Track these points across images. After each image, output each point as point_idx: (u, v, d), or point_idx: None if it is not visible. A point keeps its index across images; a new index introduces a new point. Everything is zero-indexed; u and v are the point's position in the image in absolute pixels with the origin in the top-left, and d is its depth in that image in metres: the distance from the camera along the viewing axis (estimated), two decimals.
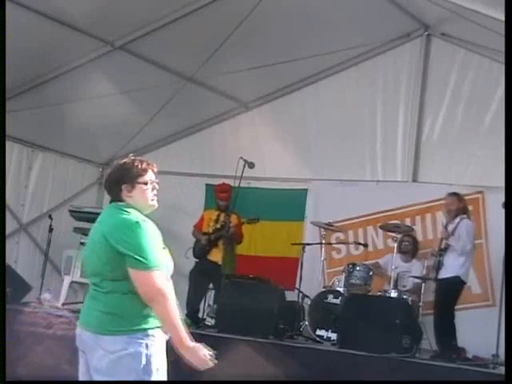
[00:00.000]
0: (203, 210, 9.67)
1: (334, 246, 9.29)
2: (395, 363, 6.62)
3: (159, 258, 3.37)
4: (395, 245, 8.20)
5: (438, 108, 9.13)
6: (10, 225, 9.29)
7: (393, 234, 8.36)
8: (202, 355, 3.34)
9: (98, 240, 3.42)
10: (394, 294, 7.78)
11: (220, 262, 8.50)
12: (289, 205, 9.82)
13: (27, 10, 7.33)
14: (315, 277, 8.59)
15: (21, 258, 9.67)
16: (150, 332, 3.34)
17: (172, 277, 3.50)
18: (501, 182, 5.21)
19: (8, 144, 8.49)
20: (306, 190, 9.77)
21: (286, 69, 9.00)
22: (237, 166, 8.12)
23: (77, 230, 8.93)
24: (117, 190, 3.54)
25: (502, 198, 5.52)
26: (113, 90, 8.74)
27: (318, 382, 6.45)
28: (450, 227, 7.80)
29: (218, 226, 8.77)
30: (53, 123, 9.28)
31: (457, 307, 7.70)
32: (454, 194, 7.99)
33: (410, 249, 8.59)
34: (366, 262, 8.56)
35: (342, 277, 8.18)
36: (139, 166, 3.55)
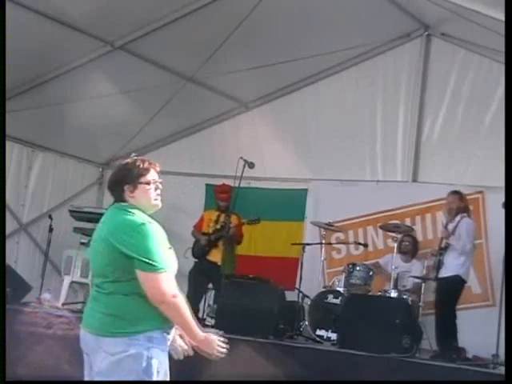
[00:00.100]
0: (203, 210, 9.68)
1: (334, 246, 9.29)
2: (395, 363, 6.62)
3: (166, 259, 3.36)
4: (395, 245, 8.20)
5: (438, 108, 9.13)
6: (10, 225, 9.29)
7: (393, 234, 8.36)
8: (215, 346, 3.43)
9: (102, 241, 3.41)
10: (394, 294, 7.78)
11: (219, 263, 8.51)
12: (289, 205, 9.82)
13: (27, 9, 7.33)
14: (315, 277, 8.59)
15: (21, 258, 9.67)
16: (151, 334, 3.33)
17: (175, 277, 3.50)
18: (501, 182, 5.21)
19: (8, 144, 8.48)
20: (306, 190, 9.77)
21: (285, 69, 9.00)
22: (237, 166, 8.11)
23: (77, 229, 8.93)
24: (119, 190, 3.50)
25: (502, 197, 5.51)
26: (113, 90, 8.74)
27: (318, 382, 6.45)
28: (450, 226, 7.79)
29: (218, 226, 8.77)
30: (53, 123, 9.28)
31: (457, 307, 7.70)
32: (456, 192, 7.98)
33: (410, 249, 8.59)
34: (366, 262, 8.56)
35: (342, 277, 8.17)
36: (141, 166, 3.53)
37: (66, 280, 8.88)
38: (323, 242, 8.57)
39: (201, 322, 8.28)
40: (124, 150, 10.02)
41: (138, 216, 3.41)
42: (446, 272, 7.67)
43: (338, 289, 8.01)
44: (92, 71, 8.40)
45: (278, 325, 7.55)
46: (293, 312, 7.83)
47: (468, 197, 8.24)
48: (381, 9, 8.20)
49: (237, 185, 8.14)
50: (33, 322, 7.17)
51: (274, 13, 8.06)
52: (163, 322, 3.37)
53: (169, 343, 3.44)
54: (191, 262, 8.73)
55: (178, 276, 3.46)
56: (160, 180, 3.57)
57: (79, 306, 8.44)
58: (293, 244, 9.01)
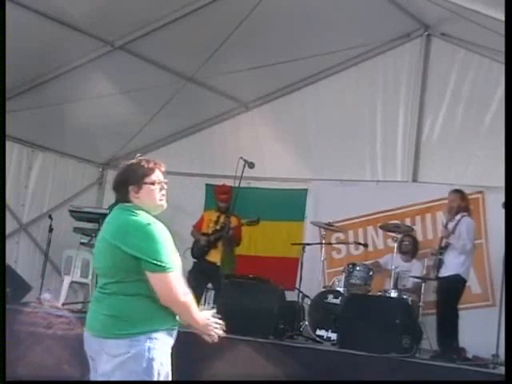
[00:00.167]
0: (203, 210, 9.68)
1: (334, 246, 9.29)
2: (395, 363, 6.61)
3: (173, 259, 3.36)
4: (395, 245, 8.21)
5: (438, 108, 9.14)
6: (10, 225, 9.29)
7: (393, 234, 8.36)
8: (212, 329, 3.47)
9: (106, 242, 3.41)
10: (394, 294, 7.77)
11: (218, 263, 8.50)
12: (289, 205, 9.82)
13: (27, 9, 7.33)
14: (315, 277, 8.59)
15: (21, 258, 9.66)
16: (152, 335, 3.32)
17: None
18: (501, 182, 5.21)
19: (8, 144, 8.48)
20: (306, 190, 9.78)
21: (285, 69, 9.00)
22: (237, 166, 8.11)
23: (77, 229, 8.92)
24: (124, 191, 3.49)
25: (502, 197, 5.51)
26: (113, 90, 8.74)
27: (318, 382, 6.45)
28: (451, 225, 7.79)
29: (218, 227, 8.77)
30: (53, 123, 9.28)
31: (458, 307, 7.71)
32: (458, 191, 7.98)
33: (410, 249, 8.59)
34: (366, 262, 8.56)
35: (342, 277, 8.17)
36: (145, 166, 3.52)
37: (66, 280, 8.89)
38: (323, 242, 8.57)
39: None
40: (124, 150, 10.03)
41: (142, 216, 3.39)
42: (446, 271, 7.67)
43: (338, 289, 8.01)
44: (92, 71, 8.40)
45: (278, 325, 7.54)
46: (293, 312, 7.83)
47: (468, 197, 8.24)
48: (381, 9, 8.20)
49: (237, 185, 8.13)
50: (33, 322, 7.16)
51: (274, 13, 8.06)
52: (165, 323, 3.37)
53: (171, 344, 3.43)
54: (190, 262, 8.72)
55: None
56: (165, 180, 3.56)
57: (79, 306, 8.45)
58: (293, 244, 9.00)
